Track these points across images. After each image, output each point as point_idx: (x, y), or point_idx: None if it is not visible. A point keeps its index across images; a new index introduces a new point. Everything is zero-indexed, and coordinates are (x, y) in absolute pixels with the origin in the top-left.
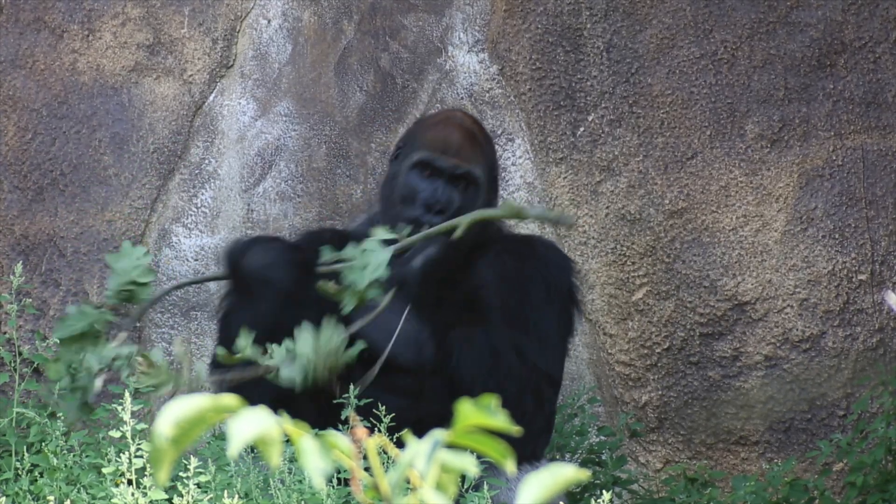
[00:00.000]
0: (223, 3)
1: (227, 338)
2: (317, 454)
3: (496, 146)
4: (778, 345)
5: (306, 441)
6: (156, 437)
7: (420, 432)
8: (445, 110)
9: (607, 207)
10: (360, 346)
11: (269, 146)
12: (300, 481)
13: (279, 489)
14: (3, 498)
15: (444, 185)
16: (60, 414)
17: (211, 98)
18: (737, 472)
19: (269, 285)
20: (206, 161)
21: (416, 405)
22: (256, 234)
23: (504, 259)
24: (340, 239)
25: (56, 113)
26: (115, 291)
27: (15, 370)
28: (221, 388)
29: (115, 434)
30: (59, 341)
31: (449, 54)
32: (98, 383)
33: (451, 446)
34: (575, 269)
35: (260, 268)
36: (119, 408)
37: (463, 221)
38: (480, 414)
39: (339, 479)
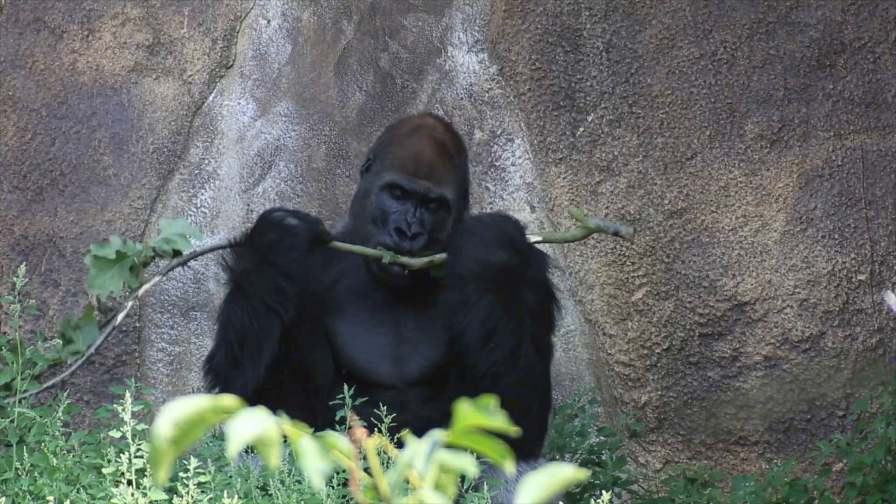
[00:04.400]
0: (223, 3)
1: (224, 332)
2: (316, 455)
3: (496, 146)
4: (778, 345)
5: (305, 442)
6: (155, 437)
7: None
8: (417, 117)
9: (607, 207)
10: None
11: (268, 146)
12: (299, 482)
13: (279, 490)
14: (3, 498)
15: (416, 207)
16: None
17: (211, 98)
18: (736, 472)
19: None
20: (206, 161)
21: (400, 416)
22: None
23: None
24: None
25: (56, 113)
26: (162, 239)
27: (17, 371)
28: None
29: (115, 434)
30: (93, 258)
31: (448, 54)
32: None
33: (450, 447)
34: (549, 261)
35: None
36: (119, 408)
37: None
38: (479, 414)
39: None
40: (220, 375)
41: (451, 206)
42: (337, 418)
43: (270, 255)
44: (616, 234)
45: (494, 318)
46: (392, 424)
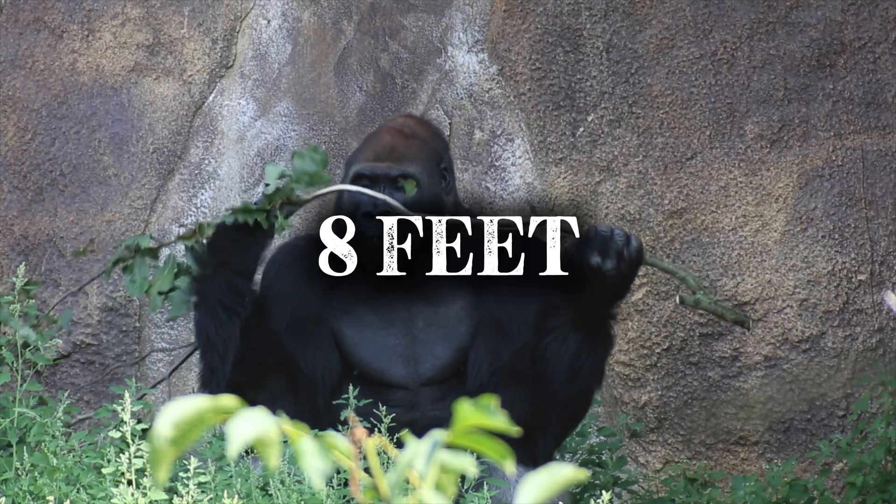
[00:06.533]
0: (223, 3)
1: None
2: (316, 455)
3: (496, 146)
4: (778, 345)
5: (305, 442)
6: (155, 437)
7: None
8: (390, 119)
9: (607, 207)
10: None
11: (268, 146)
12: (300, 482)
13: (279, 490)
14: (3, 498)
15: (385, 191)
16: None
17: (211, 98)
18: (736, 472)
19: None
20: (206, 161)
21: (408, 415)
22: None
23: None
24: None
25: (56, 113)
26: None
27: (17, 371)
28: None
29: (115, 434)
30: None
31: (448, 54)
32: None
33: (451, 446)
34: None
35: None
36: (119, 408)
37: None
38: (480, 414)
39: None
40: (200, 378)
41: (418, 178)
42: (342, 418)
43: (224, 257)
44: (733, 321)
45: (582, 358)
46: (392, 425)
